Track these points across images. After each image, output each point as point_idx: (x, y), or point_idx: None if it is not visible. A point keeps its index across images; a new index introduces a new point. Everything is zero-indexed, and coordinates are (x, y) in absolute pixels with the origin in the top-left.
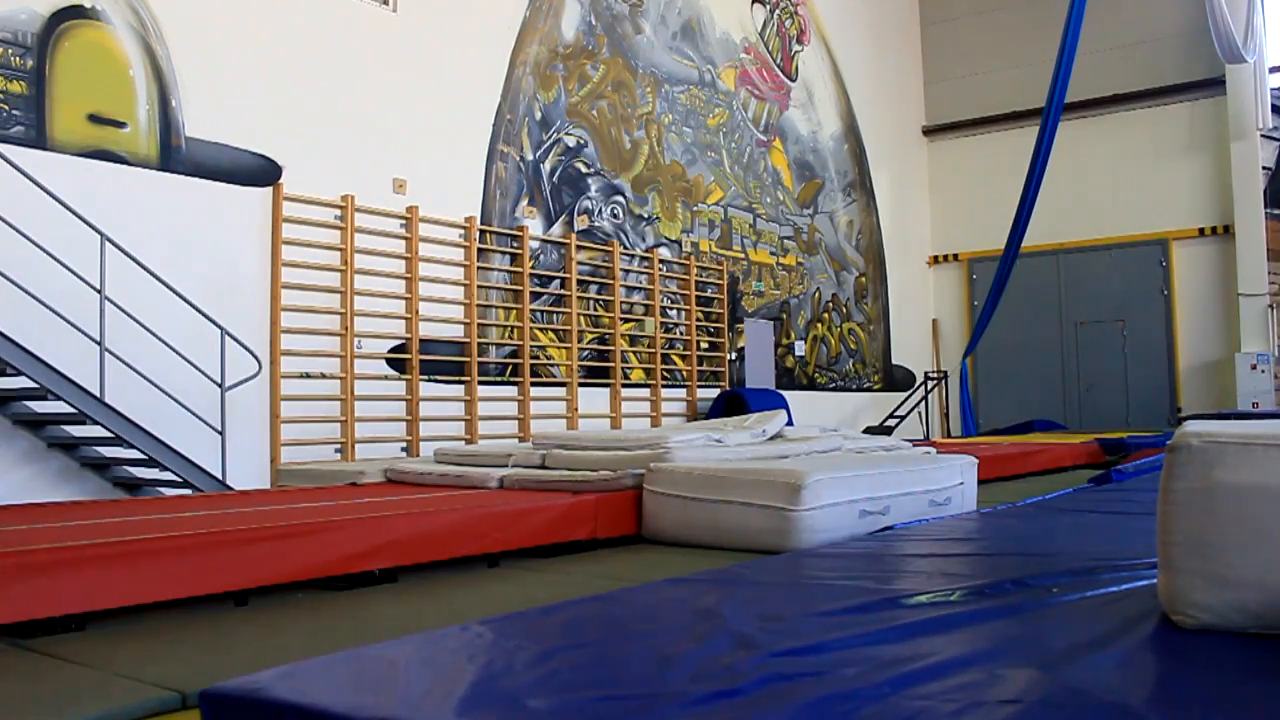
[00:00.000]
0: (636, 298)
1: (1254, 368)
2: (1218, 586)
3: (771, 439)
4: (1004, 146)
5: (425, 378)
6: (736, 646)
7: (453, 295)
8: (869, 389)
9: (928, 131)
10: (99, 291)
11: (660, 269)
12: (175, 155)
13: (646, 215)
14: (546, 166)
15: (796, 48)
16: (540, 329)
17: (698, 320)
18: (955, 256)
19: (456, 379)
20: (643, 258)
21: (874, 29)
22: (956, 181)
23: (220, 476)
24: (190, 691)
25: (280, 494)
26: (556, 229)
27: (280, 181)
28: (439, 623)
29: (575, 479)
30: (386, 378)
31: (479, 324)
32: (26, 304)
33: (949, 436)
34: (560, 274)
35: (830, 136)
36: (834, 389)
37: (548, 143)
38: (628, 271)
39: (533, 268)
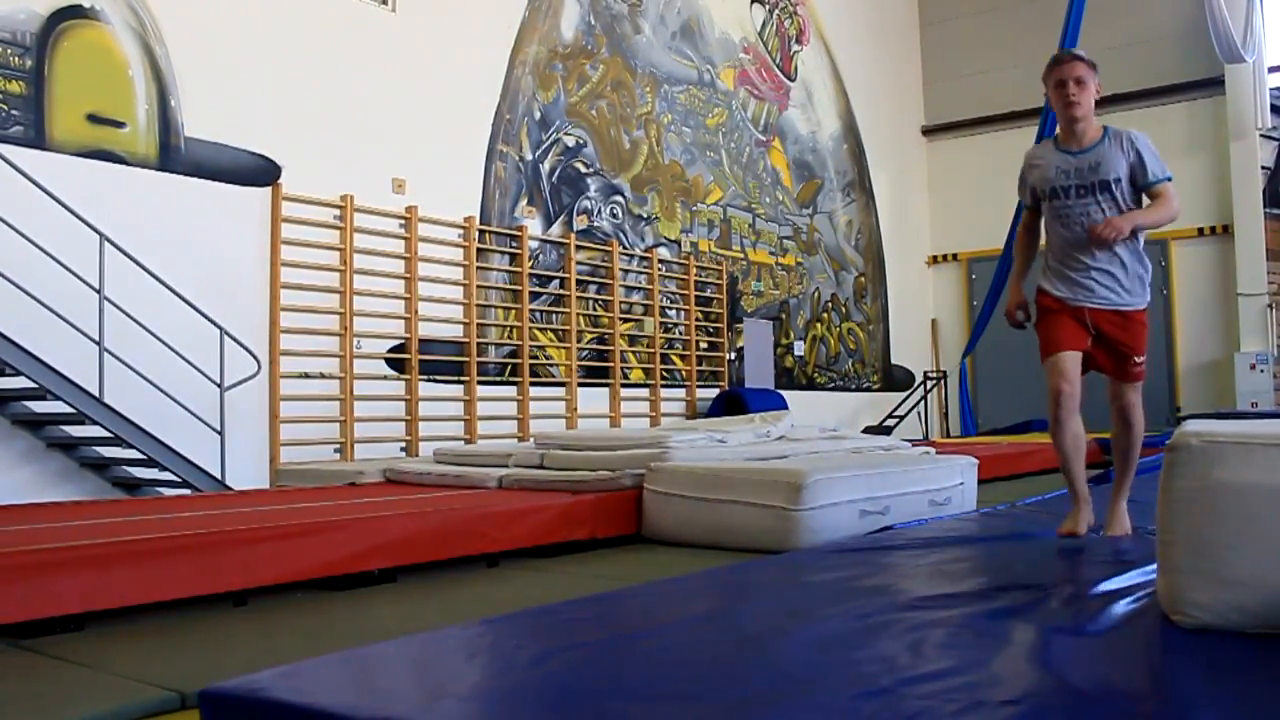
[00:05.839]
0: (636, 298)
1: (1253, 367)
2: (1217, 586)
3: (771, 439)
4: (1003, 146)
5: (424, 378)
6: (737, 646)
7: (452, 295)
8: (868, 389)
9: (927, 131)
10: (98, 292)
11: (659, 269)
12: (174, 155)
13: (646, 215)
14: (546, 166)
15: (796, 48)
16: (539, 329)
17: (697, 320)
18: (954, 256)
19: (456, 379)
20: (642, 258)
21: (873, 29)
22: (956, 181)
23: (219, 476)
24: (190, 691)
25: (279, 494)
26: (555, 229)
27: (279, 181)
28: (438, 623)
29: (575, 479)
30: (386, 378)
31: (478, 324)
32: (26, 304)
33: (948, 436)
34: (559, 274)
35: (829, 136)
36: (833, 389)
37: (547, 142)
38: (627, 271)
39: (532, 268)
